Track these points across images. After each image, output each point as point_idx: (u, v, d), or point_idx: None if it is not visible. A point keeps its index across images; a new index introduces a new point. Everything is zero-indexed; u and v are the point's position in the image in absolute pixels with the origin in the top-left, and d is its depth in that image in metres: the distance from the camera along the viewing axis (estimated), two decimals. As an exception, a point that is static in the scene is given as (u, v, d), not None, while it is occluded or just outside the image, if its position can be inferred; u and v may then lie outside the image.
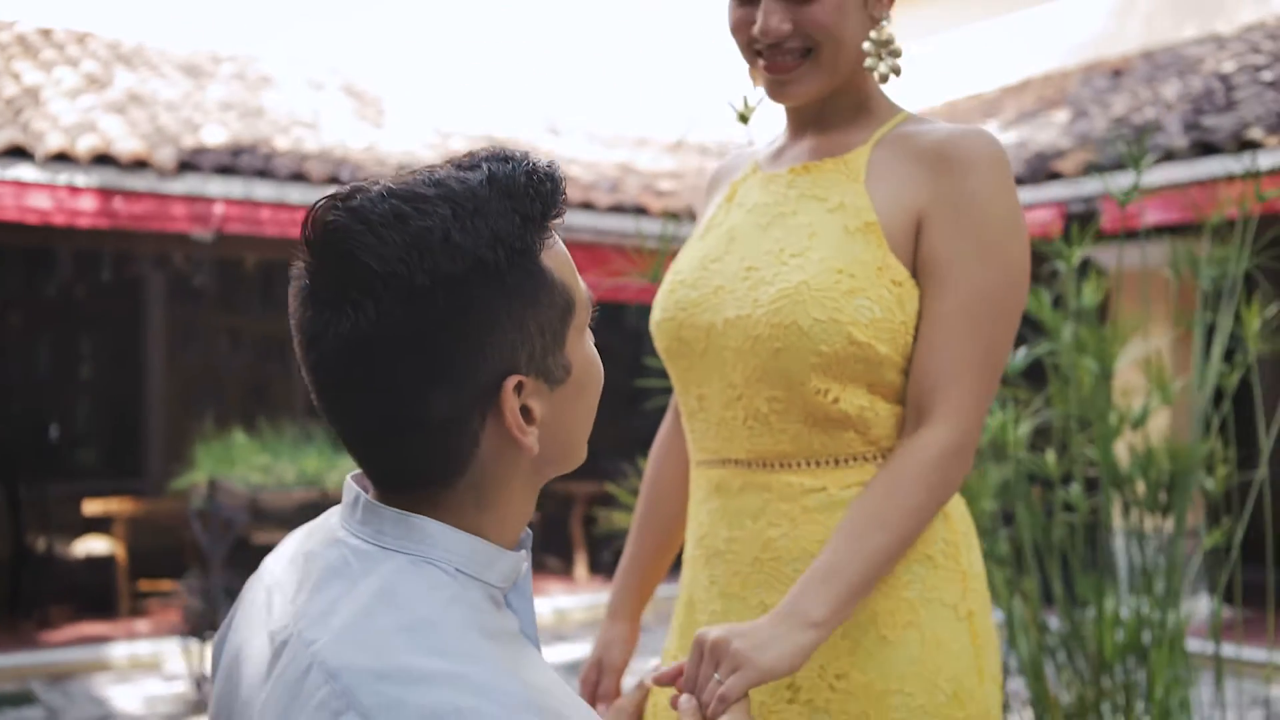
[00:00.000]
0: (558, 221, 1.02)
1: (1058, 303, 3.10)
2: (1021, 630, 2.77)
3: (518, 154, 1.01)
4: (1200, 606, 8.20)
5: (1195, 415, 2.95)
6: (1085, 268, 3.26)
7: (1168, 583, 2.84)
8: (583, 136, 11.28)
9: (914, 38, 13.27)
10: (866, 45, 1.48)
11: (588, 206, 8.63)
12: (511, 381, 0.98)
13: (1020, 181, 7.63)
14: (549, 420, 1.03)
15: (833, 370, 1.39)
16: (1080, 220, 7.40)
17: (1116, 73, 10.37)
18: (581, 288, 1.06)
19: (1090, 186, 7.26)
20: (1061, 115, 9.26)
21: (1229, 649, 7.70)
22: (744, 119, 1.89)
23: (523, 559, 1.05)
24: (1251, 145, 6.61)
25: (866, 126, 1.52)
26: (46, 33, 10.18)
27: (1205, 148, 6.83)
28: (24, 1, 10.50)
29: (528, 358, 0.99)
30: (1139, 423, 2.84)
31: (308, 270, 0.97)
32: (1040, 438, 3.09)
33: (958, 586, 1.46)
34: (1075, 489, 2.91)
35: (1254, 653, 7.11)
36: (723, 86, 13.15)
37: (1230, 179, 6.83)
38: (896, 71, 1.47)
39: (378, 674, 0.91)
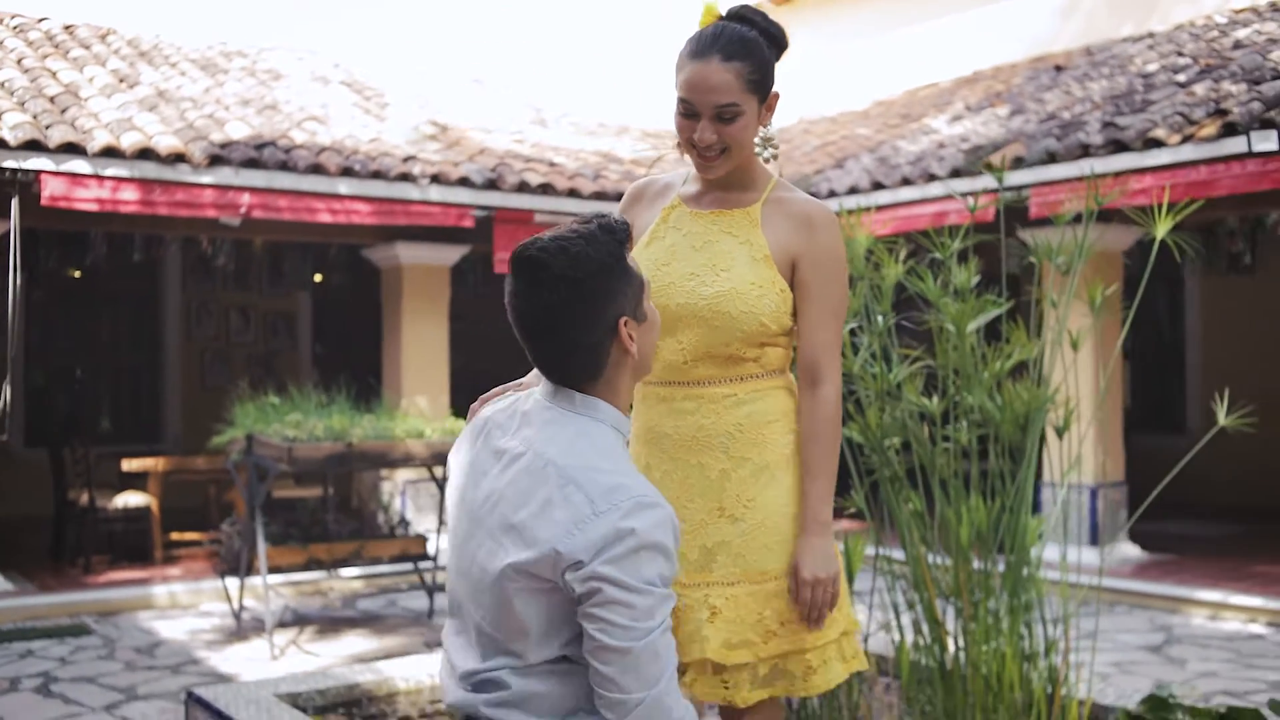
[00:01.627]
0: (629, 242, 2.05)
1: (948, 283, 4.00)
2: (908, 530, 3.68)
3: (606, 215, 2.06)
4: (1124, 551, 9.20)
5: (1038, 370, 3.84)
6: (967, 254, 4.14)
7: (1019, 492, 3.72)
8: (568, 126, 12.14)
9: (879, 30, 14.16)
10: (757, 142, 2.43)
11: (573, 194, 9.53)
12: (623, 319, 1.99)
13: (957, 174, 8.56)
14: (639, 340, 2.04)
15: (746, 339, 2.38)
16: (1010, 209, 8.33)
17: (1059, 68, 11.27)
18: (643, 274, 2.09)
19: (1019, 178, 8.19)
20: (1002, 110, 10.17)
21: (1146, 586, 8.64)
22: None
23: (628, 423, 2.09)
24: (1155, 143, 7.55)
25: (754, 189, 2.47)
26: (71, 29, 11.00)
27: (1117, 145, 7.76)
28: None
29: (629, 308, 2.01)
30: (999, 375, 3.75)
31: (520, 279, 1.98)
32: (931, 385, 4.00)
33: None
34: (963, 427, 3.83)
35: (1163, 588, 8.12)
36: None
37: (1141, 172, 7.77)
38: (775, 157, 2.43)
39: (585, 467, 1.94)
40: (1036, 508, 3.79)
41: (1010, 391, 3.76)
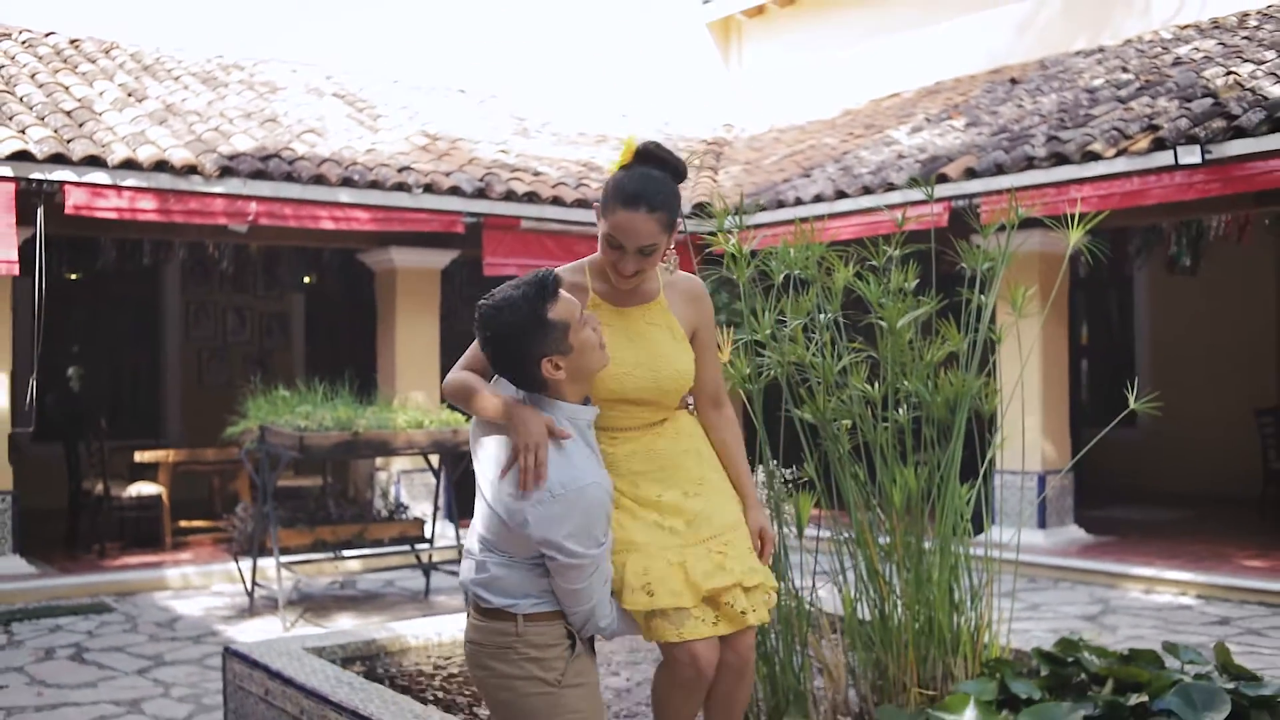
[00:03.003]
0: (556, 296, 2.70)
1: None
2: (851, 496, 4.30)
3: (541, 273, 2.72)
4: (1070, 533, 9.87)
5: (965, 361, 4.46)
6: (909, 259, 4.75)
7: (948, 463, 4.34)
8: (549, 136, 12.75)
9: (849, 42, 14.80)
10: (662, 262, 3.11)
11: (557, 202, 10.15)
12: (545, 358, 2.68)
13: (915, 184, 9.19)
14: (569, 366, 2.72)
15: (681, 394, 3.11)
16: (963, 215, 8.97)
17: (1014, 81, 11.94)
18: (574, 313, 2.70)
19: (970, 187, 8.85)
20: (959, 122, 10.84)
21: (1088, 563, 9.25)
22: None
23: (589, 410, 2.83)
24: (1093, 156, 8.22)
25: (652, 279, 3.13)
26: (76, 43, 11.54)
27: (1059, 157, 8.43)
28: (32, 8, 11.75)
29: (552, 348, 2.68)
30: (931, 365, 4.37)
31: (478, 328, 2.73)
32: (877, 374, 4.62)
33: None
34: (903, 411, 4.46)
35: (1103, 565, 8.76)
36: (673, 81, 14.49)
37: (1080, 182, 8.40)
38: (672, 268, 3.16)
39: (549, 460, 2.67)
40: (964, 480, 4.45)
41: (943, 379, 4.39)
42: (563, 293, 2.72)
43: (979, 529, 4.51)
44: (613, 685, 4.66)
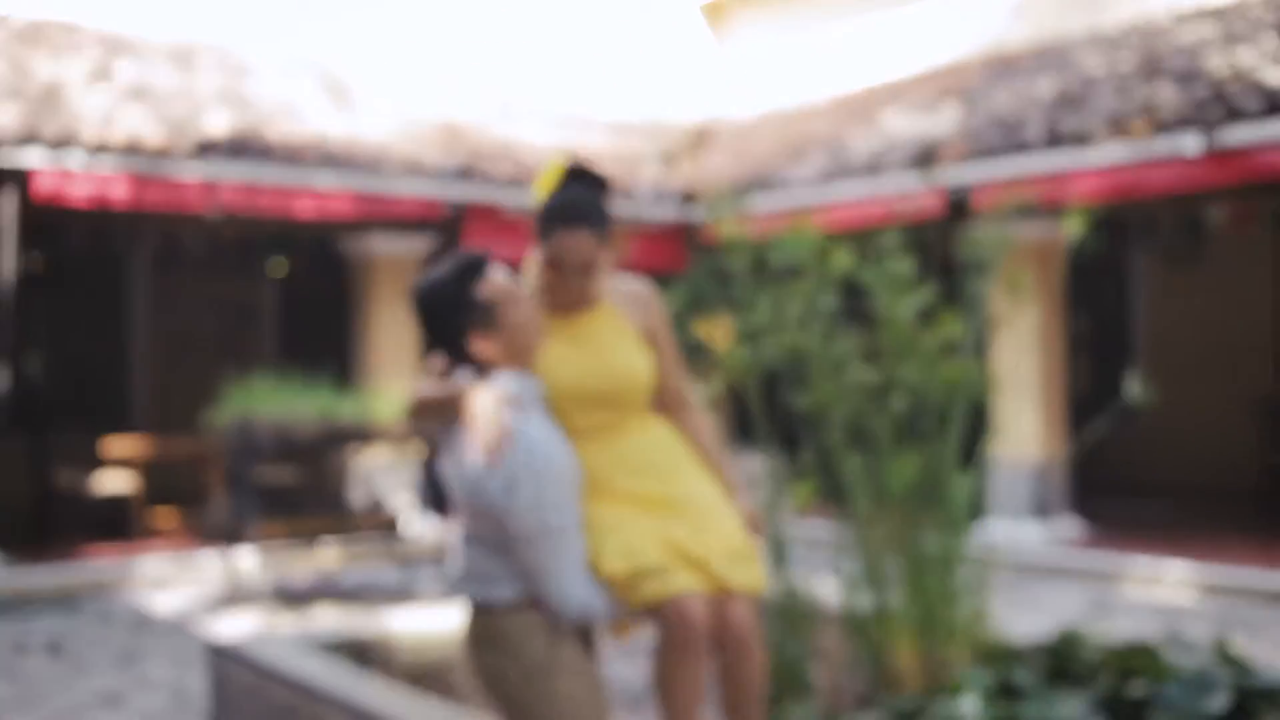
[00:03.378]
0: (484, 276, 2.73)
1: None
2: (850, 485, 4.17)
3: (470, 254, 2.78)
4: (1068, 526, 9.76)
5: (964, 348, 4.32)
6: (904, 246, 4.60)
7: (941, 447, 4.21)
8: (533, 119, 12.56)
9: (839, 24, 14.61)
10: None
11: (543, 187, 9.96)
12: (475, 335, 2.72)
13: (912, 170, 9.04)
14: (501, 343, 2.74)
15: (644, 396, 3.05)
16: (958, 203, 8.83)
17: (1010, 67, 11.76)
18: (503, 292, 2.74)
19: (964, 174, 8.69)
20: (953, 108, 10.67)
21: (1086, 558, 9.15)
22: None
23: (534, 381, 2.79)
24: (1091, 143, 8.07)
25: (595, 286, 3.03)
26: (37, 26, 11.23)
27: (1056, 144, 8.28)
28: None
29: (480, 324, 2.72)
30: (932, 352, 4.22)
31: (412, 306, 2.79)
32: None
33: None
34: (899, 396, 4.31)
35: (1102, 560, 8.61)
36: (660, 66, 14.31)
37: (1077, 170, 8.24)
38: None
39: None
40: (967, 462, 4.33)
41: (939, 366, 4.25)
42: (495, 271, 2.78)
43: (975, 519, 4.40)
44: (615, 676, 4.52)
